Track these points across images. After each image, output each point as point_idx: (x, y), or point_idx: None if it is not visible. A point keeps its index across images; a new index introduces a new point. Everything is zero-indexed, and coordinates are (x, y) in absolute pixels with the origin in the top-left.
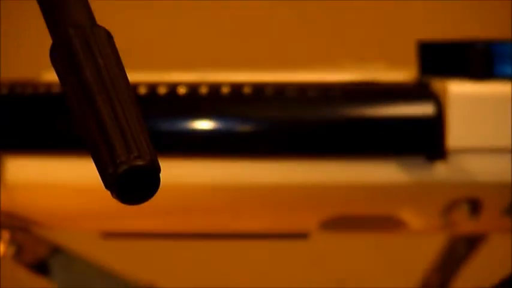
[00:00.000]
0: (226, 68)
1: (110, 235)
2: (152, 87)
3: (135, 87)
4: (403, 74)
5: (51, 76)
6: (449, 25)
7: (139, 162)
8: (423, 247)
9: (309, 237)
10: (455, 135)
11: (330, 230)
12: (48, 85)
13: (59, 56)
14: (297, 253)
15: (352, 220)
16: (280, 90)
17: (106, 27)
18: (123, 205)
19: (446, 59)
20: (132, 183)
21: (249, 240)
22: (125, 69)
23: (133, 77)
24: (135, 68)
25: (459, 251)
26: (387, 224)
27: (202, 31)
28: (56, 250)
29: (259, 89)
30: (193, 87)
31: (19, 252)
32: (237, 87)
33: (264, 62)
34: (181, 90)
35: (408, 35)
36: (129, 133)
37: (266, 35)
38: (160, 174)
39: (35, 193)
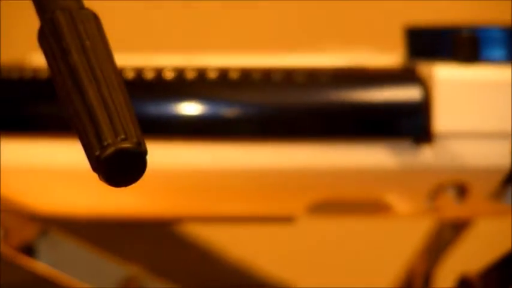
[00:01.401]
0: (212, 51)
1: (99, 220)
2: (139, 71)
3: (122, 70)
4: (390, 58)
5: (39, 58)
6: (437, 9)
7: (126, 145)
8: (409, 231)
9: (294, 222)
10: (442, 119)
11: (315, 214)
12: (36, 68)
13: (46, 38)
14: (282, 237)
15: (338, 204)
16: (267, 74)
17: (93, 10)
18: (110, 189)
19: (433, 43)
20: (119, 166)
21: (233, 224)
22: (113, 51)
23: (120, 59)
24: (122, 50)
25: (445, 235)
26: (373, 207)
27: (187, 13)
28: (44, 232)
29: (246, 73)
30: (180, 72)
31: (6, 235)
32: (223, 72)
33: (250, 46)
34: (168, 74)
35: (394, 19)
36: (116, 116)
37: (252, 18)
38: (147, 157)
39: (23, 177)
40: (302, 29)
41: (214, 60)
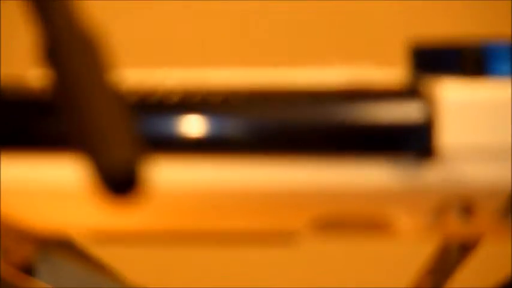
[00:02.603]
0: (215, 64)
1: (101, 238)
2: (143, 94)
3: (124, 89)
4: (393, 72)
5: (39, 74)
6: (440, 24)
7: (129, 163)
8: (415, 250)
9: (296, 240)
10: (446, 136)
11: (319, 233)
12: (35, 86)
13: (46, 56)
14: (284, 256)
15: (340, 222)
16: (270, 91)
17: (95, 26)
18: (112, 207)
19: (437, 59)
20: (117, 183)
21: (235, 240)
22: (116, 66)
23: (125, 74)
24: (126, 65)
25: (452, 254)
26: (376, 226)
27: (193, 28)
28: (44, 251)
29: (248, 90)
30: (186, 96)
31: (5, 254)
32: (223, 89)
33: (253, 59)
34: (174, 99)
35: (396, 33)
36: (117, 134)
37: (256, 33)
38: (149, 175)
39: (22, 195)
40: (305, 43)
41: (217, 74)
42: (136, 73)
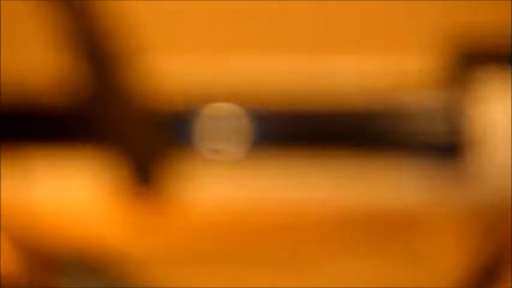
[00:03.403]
0: (244, 53)
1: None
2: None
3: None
4: (416, 62)
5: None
6: (471, 17)
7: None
8: (444, 266)
9: (329, 260)
10: (481, 155)
11: (351, 251)
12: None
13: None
14: (317, 276)
15: (373, 242)
16: (309, 115)
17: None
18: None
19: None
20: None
21: (268, 263)
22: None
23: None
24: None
25: (487, 269)
26: (408, 245)
27: (220, 16)
28: (64, 267)
29: (283, 99)
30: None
31: (25, 270)
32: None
33: (280, 49)
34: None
35: (420, 23)
36: (142, 141)
37: (282, 22)
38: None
39: (46, 212)
40: (330, 33)
41: (247, 61)
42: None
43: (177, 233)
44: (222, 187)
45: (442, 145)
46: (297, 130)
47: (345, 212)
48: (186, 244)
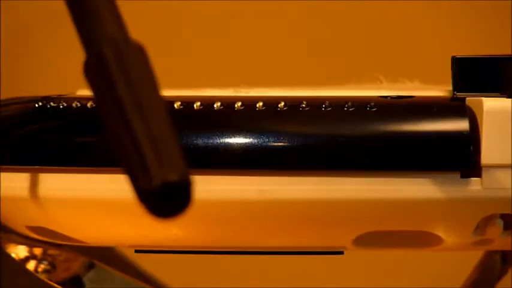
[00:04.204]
0: (260, 85)
1: (142, 251)
2: (187, 102)
3: (169, 102)
4: (439, 91)
5: (85, 93)
6: (484, 41)
7: (172, 177)
8: (457, 263)
9: (344, 254)
10: (490, 151)
11: (365, 246)
12: (82, 99)
13: (92, 71)
14: (333, 269)
15: (385, 237)
16: (316, 104)
17: (140, 42)
18: (155, 220)
19: (481, 75)
20: (165, 199)
21: (283, 256)
22: (159, 84)
23: (167, 93)
24: (169, 85)
25: (493, 267)
26: (421, 240)
27: (237, 48)
28: (90, 266)
29: (293, 103)
30: (227, 102)
31: (51, 269)
32: (272, 102)
33: (299, 79)
34: (216, 106)
35: (443, 52)
36: (161, 148)
37: (301, 52)
38: (194, 189)
39: (68, 208)
40: (352, 62)
41: (264, 93)
42: (176, 92)
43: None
44: None
45: None
46: None
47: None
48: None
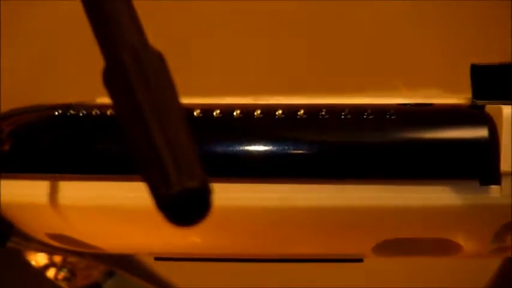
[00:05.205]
0: (279, 92)
1: (162, 258)
2: (207, 109)
3: (188, 110)
4: (458, 99)
5: (105, 101)
6: (504, 49)
7: (191, 185)
8: (476, 270)
9: (364, 261)
10: (509, 159)
11: (384, 254)
12: (101, 107)
13: (112, 78)
14: (352, 277)
15: (404, 244)
16: (335, 112)
17: (160, 50)
18: (174, 228)
19: (500, 82)
20: (184, 205)
21: (303, 263)
22: (178, 91)
23: (186, 101)
24: (188, 92)
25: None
26: (440, 247)
27: (256, 56)
28: (110, 273)
29: (313, 111)
30: (246, 110)
31: (71, 276)
32: (291, 110)
33: (318, 87)
34: (236, 113)
35: (463, 61)
36: (180, 156)
37: (320, 59)
38: (213, 197)
39: (88, 216)
40: (371, 70)
41: (283, 101)
42: (195, 99)
43: None
44: None
45: None
46: None
47: None
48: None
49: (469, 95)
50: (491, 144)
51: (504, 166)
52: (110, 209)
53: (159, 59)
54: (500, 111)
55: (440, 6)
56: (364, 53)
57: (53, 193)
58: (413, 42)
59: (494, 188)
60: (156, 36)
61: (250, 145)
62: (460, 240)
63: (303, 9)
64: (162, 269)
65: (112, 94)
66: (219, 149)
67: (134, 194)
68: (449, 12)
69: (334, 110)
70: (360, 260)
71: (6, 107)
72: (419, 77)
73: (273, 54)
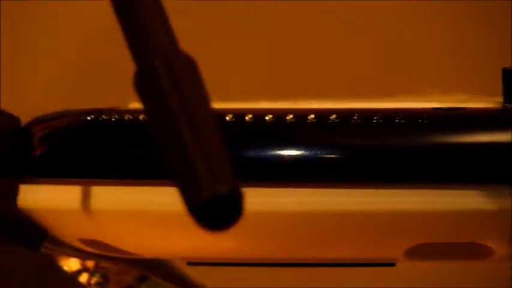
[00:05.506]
0: (313, 97)
1: (195, 263)
2: (239, 114)
3: (220, 114)
4: (489, 103)
5: (137, 106)
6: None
7: (223, 190)
8: (506, 274)
9: (396, 265)
10: None
11: (415, 258)
12: (134, 112)
13: (143, 84)
14: (384, 282)
15: (436, 248)
16: (367, 116)
17: (191, 55)
18: (206, 233)
19: None
20: (215, 211)
21: (335, 268)
22: (210, 96)
23: (219, 106)
24: (221, 98)
25: None
26: (472, 252)
27: (288, 60)
28: (143, 278)
29: (344, 115)
30: (278, 115)
31: (104, 281)
32: (323, 114)
33: (349, 92)
34: (268, 117)
35: (495, 65)
36: (212, 160)
37: (353, 64)
38: (245, 202)
39: (120, 221)
40: (402, 74)
41: (316, 105)
42: (228, 104)
43: None
44: None
45: None
46: None
47: None
48: None
49: (500, 99)
50: None
51: None
52: (143, 214)
53: (190, 63)
54: None
55: (451, 7)
56: (396, 57)
57: (85, 198)
58: (426, 44)
59: None
60: (186, 40)
61: (283, 150)
62: (492, 244)
63: (330, 11)
64: (195, 274)
65: (143, 99)
66: (252, 153)
67: (166, 198)
68: (464, 13)
69: (366, 115)
70: (392, 265)
71: (39, 112)
72: (451, 81)
73: (306, 56)
